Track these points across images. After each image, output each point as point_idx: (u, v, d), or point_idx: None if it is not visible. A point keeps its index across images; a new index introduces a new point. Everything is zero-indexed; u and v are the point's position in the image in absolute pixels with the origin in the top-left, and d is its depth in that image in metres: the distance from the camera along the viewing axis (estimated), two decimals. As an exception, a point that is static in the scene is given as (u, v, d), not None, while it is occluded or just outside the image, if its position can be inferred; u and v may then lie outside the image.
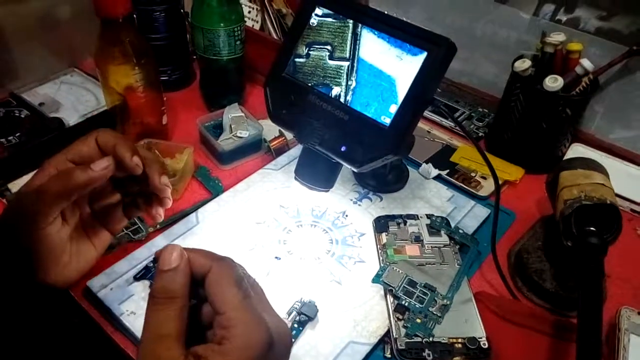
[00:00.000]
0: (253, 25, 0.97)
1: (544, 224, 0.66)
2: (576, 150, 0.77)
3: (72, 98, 0.79)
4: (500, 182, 0.73)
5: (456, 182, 0.73)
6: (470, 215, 0.67)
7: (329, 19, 0.53)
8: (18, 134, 0.71)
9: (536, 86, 0.69)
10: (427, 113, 0.85)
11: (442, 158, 0.77)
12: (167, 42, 0.83)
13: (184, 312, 0.38)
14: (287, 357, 0.42)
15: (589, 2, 0.73)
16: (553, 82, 0.68)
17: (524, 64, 0.70)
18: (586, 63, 0.69)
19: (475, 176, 0.74)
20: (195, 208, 0.66)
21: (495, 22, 0.83)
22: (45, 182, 0.48)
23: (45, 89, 0.80)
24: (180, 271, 0.38)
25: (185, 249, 0.40)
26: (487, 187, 0.72)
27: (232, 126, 0.74)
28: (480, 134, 0.83)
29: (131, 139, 0.73)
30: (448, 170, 0.75)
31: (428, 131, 0.83)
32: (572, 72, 0.70)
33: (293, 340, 0.51)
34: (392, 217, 0.64)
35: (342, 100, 0.52)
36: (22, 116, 0.74)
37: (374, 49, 0.51)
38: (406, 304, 0.54)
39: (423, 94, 0.49)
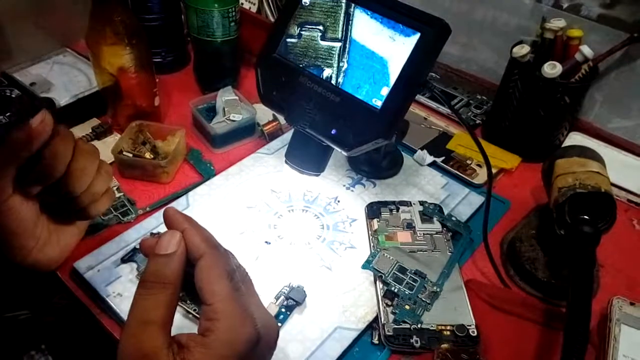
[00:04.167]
0: (250, 8, 0.96)
1: (539, 213, 0.65)
2: (574, 139, 0.76)
3: (64, 78, 0.77)
4: (496, 170, 0.73)
5: (451, 169, 0.72)
6: (464, 203, 0.67)
7: (321, -1, 0.52)
8: (8, 114, 0.69)
9: (535, 73, 0.68)
10: (424, 99, 0.84)
11: (438, 145, 0.76)
12: (161, 22, 0.82)
13: (173, 300, 0.37)
14: (273, 350, 0.42)
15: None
16: (551, 69, 0.66)
17: (522, 50, 0.69)
18: (586, 50, 0.68)
19: (470, 164, 0.73)
20: (186, 191, 0.65)
21: (496, 7, 0.81)
22: None
23: (37, 69, 0.79)
24: (177, 257, 0.37)
25: (186, 220, 0.39)
26: (482, 175, 0.72)
27: (226, 109, 0.73)
28: (478, 122, 0.82)
29: (123, 120, 0.73)
30: (443, 158, 0.74)
31: (425, 118, 0.82)
32: (572, 59, 0.69)
33: (280, 325, 0.51)
34: (384, 204, 0.64)
35: (333, 82, 0.51)
36: (13, 96, 0.73)
37: (367, 29, 0.50)
38: (395, 290, 0.54)
39: (415, 76, 0.48)
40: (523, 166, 0.75)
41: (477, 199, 0.67)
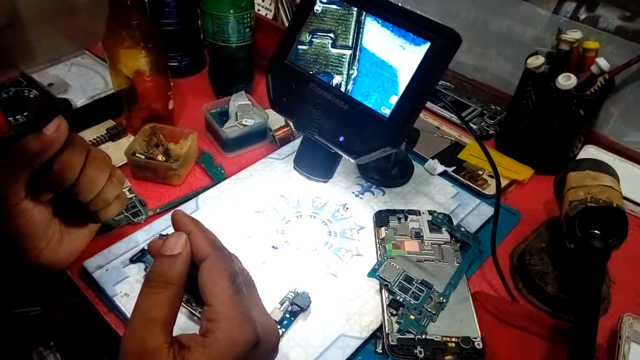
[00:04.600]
0: (266, 14, 0.97)
1: (550, 226, 0.64)
2: (588, 152, 0.75)
3: (82, 80, 0.79)
4: (508, 181, 0.72)
5: (462, 179, 0.72)
6: (474, 214, 0.66)
7: (334, 6, 0.52)
8: (25, 114, 0.72)
9: (549, 84, 0.68)
10: (437, 108, 0.84)
11: (450, 155, 0.76)
12: (178, 27, 0.83)
13: (176, 300, 0.37)
14: (274, 355, 0.42)
15: (613, 2, 0.71)
16: (566, 81, 0.66)
17: (536, 61, 0.68)
18: (602, 62, 0.67)
19: (482, 174, 0.73)
20: (196, 194, 0.66)
21: (512, 18, 0.81)
22: (5, 162, 0.47)
23: (55, 70, 0.81)
24: (181, 259, 0.38)
25: (192, 223, 0.40)
26: (494, 185, 0.70)
27: (238, 114, 0.74)
28: (491, 132, 0.81)
29: (137, 122, 0.74)
30: (455, 167, 0.73)
31: (437, 127, 0.82)
32: (588, 71, 0.68)
33: (284, 330, 0.51)
34: (393, 212, 0.63)
35: (342, 89, 0.51)
36: (31, 96, 0.75)
37: (377, 38, 0.50)
38: (401, 300, 0.53)
39: (424, 85, 0.48)
40: (536, 178, 0.74)
41: (487, 210, 0.67)
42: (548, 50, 0.72)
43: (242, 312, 0.37)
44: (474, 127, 0.82)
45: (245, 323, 0.37)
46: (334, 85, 0.52)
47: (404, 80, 0.48)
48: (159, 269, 0.38)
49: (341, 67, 0.51)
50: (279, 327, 0.51)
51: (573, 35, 0.69)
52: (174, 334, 0.37)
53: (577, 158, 0.74)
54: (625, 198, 0.54)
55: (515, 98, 0.74)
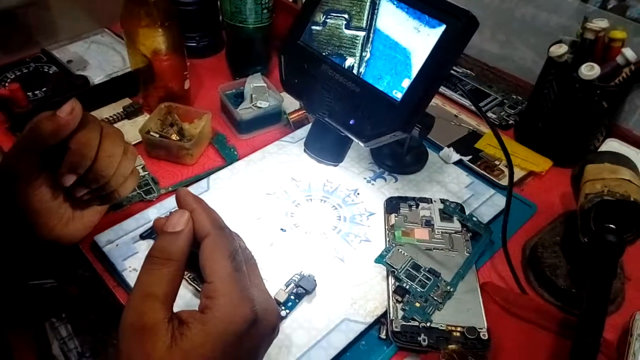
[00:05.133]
0: (287, -3, 0.96)
1: (566, 220, 0.63)
2: (610, 146, 0.72)
3: (100, 58, 0.80)
4: (525, 172, 0.70)
5: (478, 169, 0.70)
6: (488, 204, 0.65)
7: (349, -13, 0.51)
8: (44, 89, 0.73)
9: (571, 74, 0.66)
10: (455, 96, 0.83)
11: (467, 144, 0.74)
12: (196, 7, 0.83)
13: (177, 276, 0.37)
14: (273, 335, 0.42)
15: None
16: (589, 70, 0.64)
17: (559, 49, 0.66)
18: (629, 53, 0.64)
19: (499, 165, 0.71)
20: (208, 174, 0.66)
21: (538, 5, 0.78)
22: (16, 143, 0.48)
23: (75, 47, 0.82)
24: (183, 235, 0.38)
25: (195, 201, 0.40)
26: (510, 176, 0.69)
27: (253, 96, 0.74)
28: (511, 122, 0.80)
29: (154, 101, 0.74)
30: (471, 157, 0.72)
31: (455, 115, 0.80)
32: (613, 62, 0.66)
33: (288, 311, 0.51)
34: (404, 199, 0.63)
35: (355, 71, 0.50)
36: (50, 72, 0.76)
37: (392, 19, 0.49)
38: (407, 287, 0.53)
39: (438, 69, 0.47)
40: (554, 170, 0.72)
41: (501, 201, 0.65)
42: (572, 39, 0.70)
43: (241, 289, 0.37)
44: (493, 116, 0.80)
45: (244, 301, 0.37)
46: (346, 67, 0.51)
47: (417, 64, 0.47)
48: (160, 245, 0.38)
49: (354, 49, 0.51)
50: (283, 308, 0.51)
51: (599, 23, 0.66)
52: (179, 309, 0.37)
53: (598, 151, 0.72)
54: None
55: (536, 87, 0.72)
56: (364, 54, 0.50)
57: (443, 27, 0.46)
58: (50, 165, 0.48)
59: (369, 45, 0.50)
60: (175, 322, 0.36)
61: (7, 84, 0.73)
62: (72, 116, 0.46)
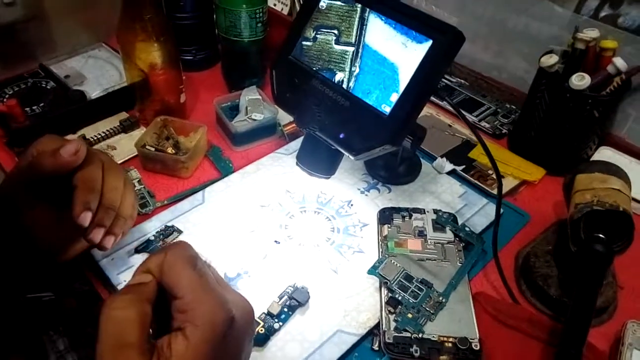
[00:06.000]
0: (282, 9, 0.97)
1: (558, 229, 0.63)
2: (604, 154, 0.73)
3: (97, 72, 0.81)
4: (518, 181, 0.71)
5: (471, 178, 0.71)
6: (481, 214, 0.65)
7: (338, 2, 0.52)
8: (42, 104, 0.74)
9: (562, 84, 0.66)
10: (449, 107, 0.83)
11: (460, 153, 0.75)
12: (193, 21, 0.84)
13: (146, 315, 0.36)
14: (250, 331, 0.41)
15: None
16: (579, 80, 0.64)
17: (550, 59, 0.67)
18: (619, 62, 0.65)
19: (492, 174, 0.72)
20: (203, 187, 0.67)
21: (530, 15, 0.79)
22: (17, 169, 0.48)
23: (72, 62, 0.83)
24: (150, 283, 0.37)
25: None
26: (504, 185, 0.70)
27: (248, 108, 0.74)
28: (504, 131, 0.80)
29: (150, 115, 0.75)
30: (464, 166, 0.72)
31: (449, 125, 0.81)
32: (604, 71, 0.67)
33: (281, 324, 0.51)
34: (397, 210, 0.63)
35: (344, 86, 0.51)
36: (48, 87, 0.77)
37: (380, 35, 0.50)
38: (399, 298, 0.53)
39: (425, 83, 0.47)
40: (547, 179, 0.73)
41: (494, 210, 0.65)
42: (563, 49, 0.71)
43: (212, 293, 0.37)
44: (487, 125, 0.81)
45: (218, 304, 0.37)
46: (336, 81, 0.52)
47: (405, 79, 0.48)
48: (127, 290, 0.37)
49: (344, 64, 0.51)
50: (276, 320, 0.52)
51: (590, 33, 0.67)
52: None
53: (591, 159, 0.73)
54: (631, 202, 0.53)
55: (528, 97, 0.73)
56: (353, 69, 0.51)
57: (430, 42, 0.47)
58: (48, 191, 0.49)
59: (358, 60, 0.51)
60: (155, 356, 0.35)
61: (5, 100, 0.74)
62: (75, 158, 0.46)
